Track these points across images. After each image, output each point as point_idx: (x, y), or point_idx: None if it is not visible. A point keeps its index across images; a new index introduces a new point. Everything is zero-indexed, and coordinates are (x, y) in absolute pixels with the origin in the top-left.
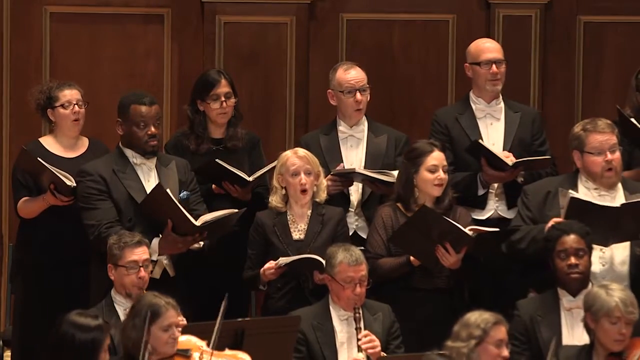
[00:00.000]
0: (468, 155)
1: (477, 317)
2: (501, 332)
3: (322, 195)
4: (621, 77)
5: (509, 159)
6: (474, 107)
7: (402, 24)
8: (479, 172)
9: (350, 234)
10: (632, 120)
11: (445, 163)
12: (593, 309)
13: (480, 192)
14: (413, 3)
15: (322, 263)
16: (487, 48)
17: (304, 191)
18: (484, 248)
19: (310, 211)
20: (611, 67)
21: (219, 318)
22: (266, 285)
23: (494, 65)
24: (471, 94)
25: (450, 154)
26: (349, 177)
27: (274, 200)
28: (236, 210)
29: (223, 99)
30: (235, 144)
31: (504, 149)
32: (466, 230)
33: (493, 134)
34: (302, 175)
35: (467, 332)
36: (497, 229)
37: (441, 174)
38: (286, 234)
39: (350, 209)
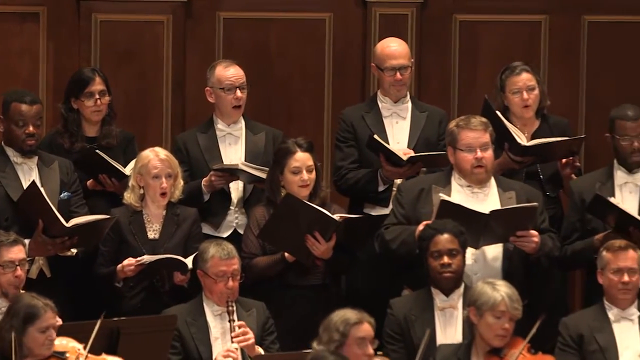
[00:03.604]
0: (373, 153)
1: (337, 318)
2: (362, 330)
3: (177, 195)
4: (495, 76)
5: (407, 155)
6: (380, 105)
7: (279, 23)
8: (380, 169)
9: (231, 232)
10: (497, 113)
11: (310, 163)
12: (478, 303)
13: (381, 188)
14: (290, 2)
15: (185, 264)
16: (392, 54)
17: (163, 194)
18: (354, 237)
19: (165, 211)
20: (486, 66)
21: (96, 327)
22: (122, 282)
23: (398, 73)
24: (379, 93)
25: (356, 151)
26: (233, 172)
27: (130, 198)
28: (109, 217)
29: (97, 96)
30: (109, 142)
31: (408, 148)
32: (332, 215)
33: (398, 133)
34: (164, 178)
35: (328, 335)
36: (365, 215)
37: (304, 175)
38: (142, 233)
39: (230, 207)
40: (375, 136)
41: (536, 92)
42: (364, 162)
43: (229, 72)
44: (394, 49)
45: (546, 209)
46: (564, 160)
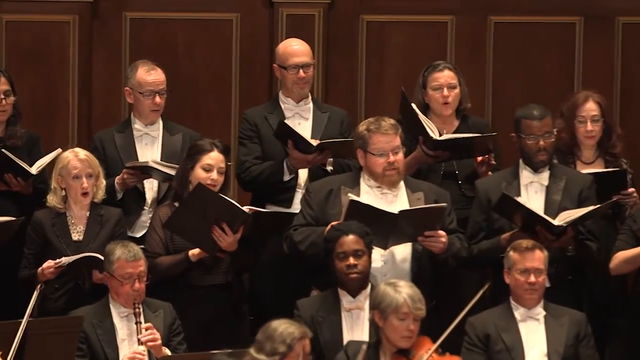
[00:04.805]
0: (276, 151)
1: (282, 330)
2: (306, 345)
3: (100, 195)
4: (403, 76)
5: (317, 142)
6: (283, 106)
7: (186, 23)
8: (286, 158)
9: (144, 232)
10: (413, 105)
11: (222, 165)
12: (382, 306)
13: (286, 177)
14: (197, 2)
15: (102, 261)
16: (295, 52)
17: (85, 194)
18: (260, 232)
19: (89, 212)
20: (393, 66)
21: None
22: (43, 284)
23: (301, 71)
24: (280, 94)
25: (260, 148)
26: (145, 170)
27: (53, 200)
28: (15, 218)
29: (2, 96)
30: (14, 142)
31: None
32: (242, 207)
33: (301, 133)
34: (84, 178)
35: (272, 346)
36: (275, 210)
37: (214, 175)
38: (65, 235)
39: (145, 207)
40: (286, 121)
41: (457, 90)
42: (267, 160)
43: (150, 78)
44: (296, 47)
45: (463, 208)
46: (479, 159)
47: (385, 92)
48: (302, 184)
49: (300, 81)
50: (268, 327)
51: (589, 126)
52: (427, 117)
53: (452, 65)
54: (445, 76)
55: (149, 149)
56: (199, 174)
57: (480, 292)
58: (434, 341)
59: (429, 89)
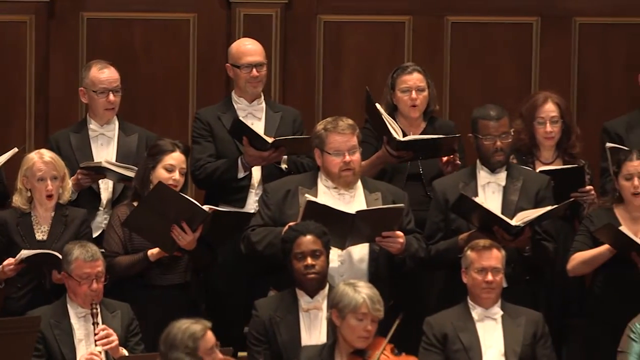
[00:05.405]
0: (230, 151)
1: (182, 334)
2: (209, 340)
3: (66, 196)
4: (360, 76)
5: (272, 138)
6: (236, 106)
7: (143, 23)
8: (241, 156)
9: (99, 232)
10: (377, 105)
11: (183, 166)
12: (340, 305)
13: (241, 174)
14: (154, 2)
15: (61, 261)
16: (248, 51)
17: (49, 196)
18: (219, 231)
19: (54, 213)
20: (350, 66)
21: None
22: (3, 283)
23: (254, 70)
24: (233, 94)
25: (214, 147)
26: (99, 170)
27: (18, 200)
28: None
29: None
30: None
31: None
32: (202, 206)
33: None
34: (49, 181)
35: (177, 355)
36: (234, 209)
37: (176, 175)
38: (30, 235)
39: (100, 208)
40: (241, 118)
41: (425, 93)
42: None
43: (103, 75)
44: (249, 47)
45: (427, 210)
46: (444, 159)
47: (342, 92)
48: (256, 184)
49: (253, 80)
50: (167, 336)
51: (549, 127)
52: (394, 118)
53: (421, 68)
54: (414, 79)
55: (105, 150)
56: (160, 174)
57: (395, 325)
58: (391, 342)
59: (398, 91)
